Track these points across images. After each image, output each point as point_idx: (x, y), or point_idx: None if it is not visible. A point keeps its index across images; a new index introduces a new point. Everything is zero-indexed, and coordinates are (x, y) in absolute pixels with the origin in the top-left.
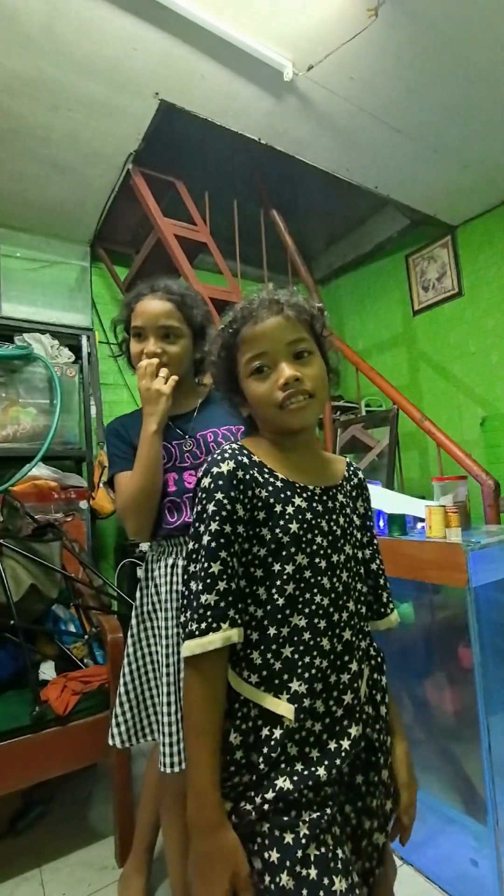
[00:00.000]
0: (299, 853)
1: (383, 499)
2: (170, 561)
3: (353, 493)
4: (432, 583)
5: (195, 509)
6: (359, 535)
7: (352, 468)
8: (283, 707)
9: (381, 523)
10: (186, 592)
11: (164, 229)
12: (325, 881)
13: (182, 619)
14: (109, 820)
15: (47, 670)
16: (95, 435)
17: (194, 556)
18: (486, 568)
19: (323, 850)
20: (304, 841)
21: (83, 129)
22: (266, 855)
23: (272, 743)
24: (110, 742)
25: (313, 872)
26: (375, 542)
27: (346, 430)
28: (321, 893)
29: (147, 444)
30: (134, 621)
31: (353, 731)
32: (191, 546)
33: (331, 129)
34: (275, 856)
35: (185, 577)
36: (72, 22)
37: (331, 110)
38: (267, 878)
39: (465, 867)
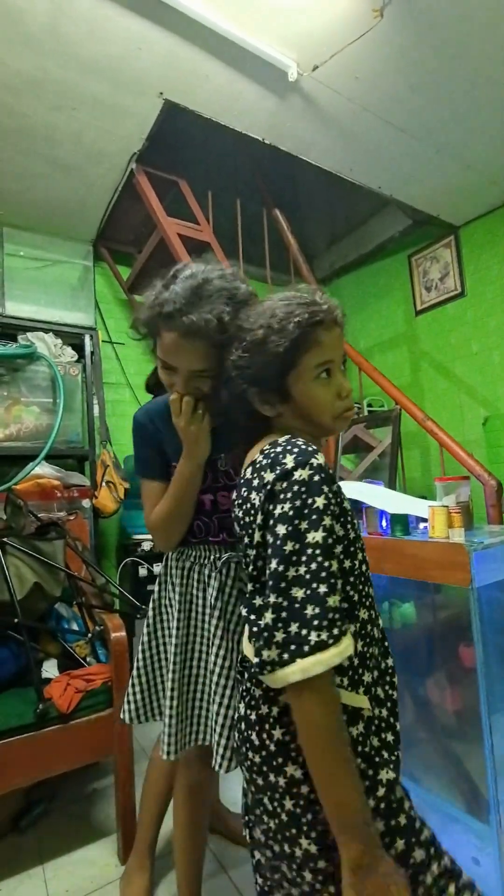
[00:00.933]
0: (417, 824)
1: (386, 499)
2: (186, 565)
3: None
4: (434, 583)
5: (285, 505)
6: None
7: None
8: (360, 699)
9: (384, 523)
10: (283, 601)
11: (167, 228)
12: (428, 833)
13: (278, 636)
14: (112, 818)
15: (50, 668)
16: (98, 434)
17: (295, 557)
18: (488, 568)
19: (413, 810)
20: (412, 813)
21: (87, 128)
22: (394, 847)
23: (361, 740)
24: (122, 717)
25: (427, 832)
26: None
27: (349, 429)
28: (433, 847)
29: (185, 482)
30: (151, 613)
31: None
32: (289, 547)
33: (335, 129)
34: (401, 844)
35: (277, 583)
36: (76, 22)
37: (335, 110)
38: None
39: (467, 866)
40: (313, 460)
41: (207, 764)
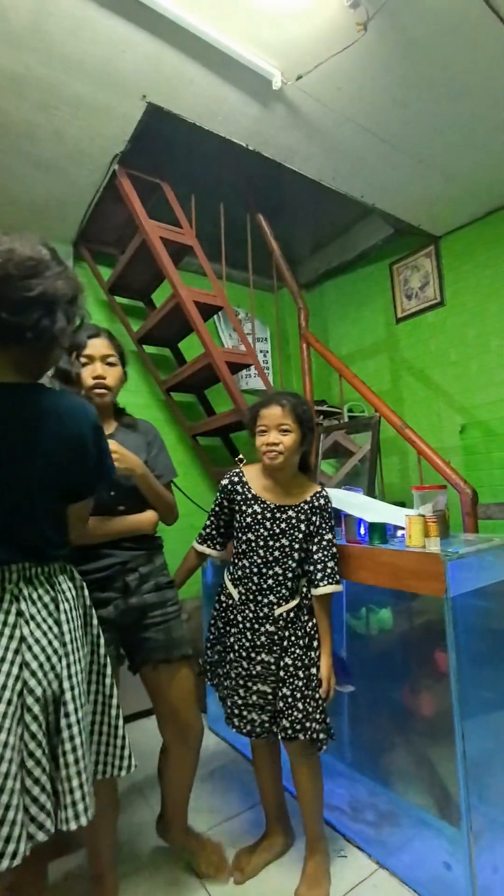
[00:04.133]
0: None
1: (364, 507)
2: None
3: (310, 512)
4: (412, 592)
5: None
6: (300, 536)
7: (318, 495)
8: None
9: (363, 531)
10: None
11: (150, 231)
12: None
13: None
14: None
15: None
16: None
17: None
18: (463, 577)
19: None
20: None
21: (70, 128)
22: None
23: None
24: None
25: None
26: (325, 542)
27: (329, 435)
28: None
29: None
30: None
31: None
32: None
33: (318, 138)
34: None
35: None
36: (60, 21)
37: (318, 119)
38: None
39: (438, 870)
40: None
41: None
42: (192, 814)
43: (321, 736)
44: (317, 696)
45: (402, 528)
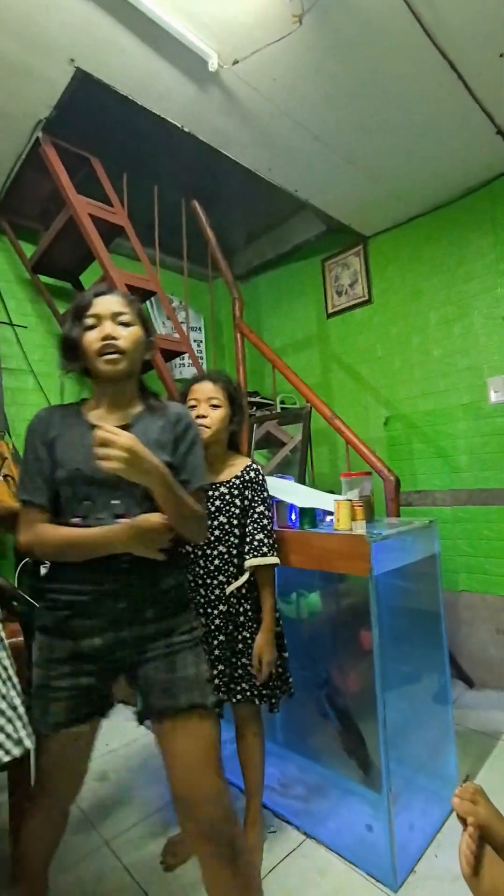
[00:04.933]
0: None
1: (295, 493)
2: None
3: (242, 486)
4: (338, 572)
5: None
6: (237, 511)
7: (248, 468)
8: None
9: (294, 516)
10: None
11: (78, 207)
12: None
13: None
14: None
15: None
16: None
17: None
18: (386, 557)
19: None
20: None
21: None
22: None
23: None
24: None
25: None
26: (255, 515)
27: (262, 425)
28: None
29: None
30: None
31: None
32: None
33: (254, 127)
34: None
35: None
36: None
37: (254, 108)
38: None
39: (361, 833)
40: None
41: None
42: (125, 808)
43: (278, 693)
44: (276, 663)
45: (331, 514)
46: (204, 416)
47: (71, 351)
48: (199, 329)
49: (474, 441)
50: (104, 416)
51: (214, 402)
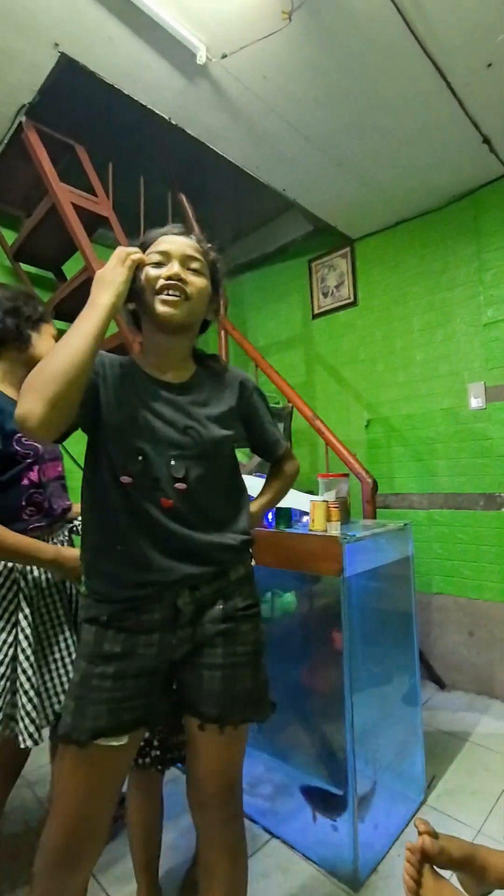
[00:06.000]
0: None
1: None
2: None
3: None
4: (312, 573)
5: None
6: None
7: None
8: None
9: (269, 516)
10: None
11: (60, 195)
12: None
13: None
14: None
15: None
16: None
17: None
18: (358, 559)
19: None
20: None
21: None
22: None
23: None
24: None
25: None
26: None
27: None
28: None
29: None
30: None
31: None
32: None
33: (243, 124)
34: None
35: None
36: None
37: (243, 104)
38: None
39: (326, 833)
40: None
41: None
42: None
43: None
44: None
45: (307, 514)
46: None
47: (131, 293)
48: None
49: (452, 446)
50: (155, 371)
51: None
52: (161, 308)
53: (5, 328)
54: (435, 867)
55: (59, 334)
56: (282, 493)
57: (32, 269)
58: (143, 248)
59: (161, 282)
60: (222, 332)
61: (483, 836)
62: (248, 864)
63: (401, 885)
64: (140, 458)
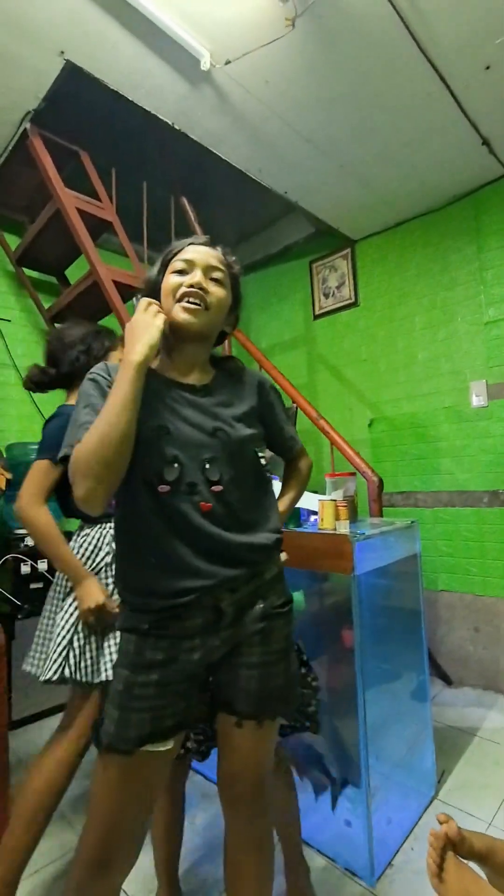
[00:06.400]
0: None
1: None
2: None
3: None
4: (322, 571)
5: None
6: None
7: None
8: None
9: None
10: None
11: (65, 201)
12: None
13: None
14: None
15: None
16: None
17: None
18: (368, 557)
19: None
20: None
21: None
22: None
23: None
24: None
25: None
26: None
27: None
28: None
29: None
30: None
31: None
32: None
33: (245, 128)
34: None
35: None
36: None
37: (246, 109)
38: None
39: (340, 829)
40: None
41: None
42: None
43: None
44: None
45: (315, 513)
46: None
47: (151, 296)
48: None
49: (455, 444)
50: (176, 376)
51: (217, 275)
52: (180, 315)
53: (78, 365)
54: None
55: None
56: (302, 490)
57: (35, 274)
58: (170, 255)
59: (183, 289)
60: None
61: (494, 828)
62: (274, 860)
63: (417, 877)
64: (176, 465)
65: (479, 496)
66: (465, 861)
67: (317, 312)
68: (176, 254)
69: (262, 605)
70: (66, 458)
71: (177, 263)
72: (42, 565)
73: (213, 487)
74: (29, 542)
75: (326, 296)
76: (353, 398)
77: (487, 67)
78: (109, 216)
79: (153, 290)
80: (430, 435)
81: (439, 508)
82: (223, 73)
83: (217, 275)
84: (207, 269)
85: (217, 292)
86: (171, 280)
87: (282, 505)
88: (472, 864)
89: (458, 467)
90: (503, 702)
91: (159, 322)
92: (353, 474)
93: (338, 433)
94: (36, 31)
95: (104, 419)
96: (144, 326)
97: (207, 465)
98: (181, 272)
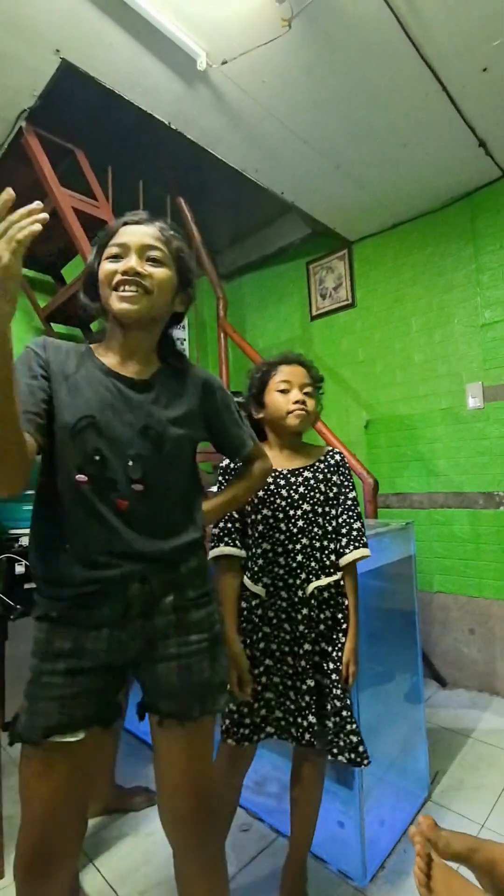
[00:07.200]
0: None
1: None
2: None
3: (327, 471)
4: None
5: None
6: (321, 498)
7: (332, 452)
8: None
9: None
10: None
11: (61, 200)
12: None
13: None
14: None
15: None
16: None
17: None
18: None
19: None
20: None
21: None
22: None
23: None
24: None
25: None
26: (349, 502)
27: None
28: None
29: None
30: None
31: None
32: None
33: (241, 128)
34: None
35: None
36: None
37: (242, 109)
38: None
39: (333, 830)
40: None
41: None
42: None
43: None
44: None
45: None
46: (302, 403)
47: (91, 287)
48: (183, 328)
49: (451, 446)
50: (116, 366)
51: (308, 389)
52: (118, 305)
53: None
54: (444, 861)
55: (60, 338)
56: (245, 494)
57: (31, 273)
58: (105, 239)
59: (117, 277)
60: (222, 335)
61: (487, 830)
62: (228, 883)
63: (408, 879)
64: (97, 458)
65: (474, 498)
66: (453, 864)
67: (314, 313)
68: (110, 237)
69: (172, 597)
70: None
71: (111, 249)
72: None
73: (133, 486)
74: (23, 542)
75: (323, 297)
76: (350, 399)
77: (485, 69)
78: (105, 215)
79: (91, 280)
80: (425, 437)
81: (435, 510)
82: (219, 72)
83: (155, 254)
84: (142, 250)
85: (157, 273)
86: (105, 268)
87: (207, 504)
88: (464, 870)
89: (454, 469)
90: (497, 703)
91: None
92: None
93: (334, 434)
94: (32, 30)
95: None
96: None
97: (131, 463)
98: (115, 258)
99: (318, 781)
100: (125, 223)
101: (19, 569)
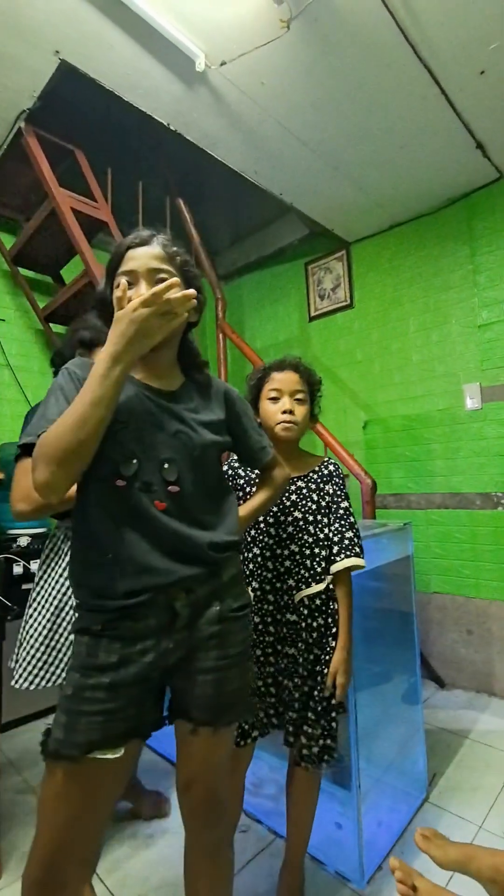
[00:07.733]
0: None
1: None
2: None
3: (320, 481)
4: None
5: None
6: (313, 507)
7: (327, 462)
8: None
9: None
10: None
11: (60, 200)
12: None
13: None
14: None
15: None
16: None
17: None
18: None
19: None
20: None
21: None
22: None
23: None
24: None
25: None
26: (341, 511)
27: None
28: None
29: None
30: None
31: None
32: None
33: (241, 129)
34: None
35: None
36: None
37: (241, 110)
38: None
39: (330, 831)
40: None
41: None
42: None
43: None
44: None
45: None
46: (291, 413)
47: (106, 312)
48: None
49: (449, 446)
50: (143, 379)
51: (299, 396)
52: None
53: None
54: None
55: (58, 338)
56: (271, 501)
57: (31, 274)
58: (114, 266)
59: (124, 303)
60: (220, 336)
61: (485, 831)
62: (233, 866)
63: None
64: (134, 461)
65: (471, 498)
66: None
67: (312, 314)
68: (117, 264)
69: (218, 608)
70: (28, 447)
71: (123, 278)
72: (34, 566)
73: (169, 488)
74: (21, 542)
75: (322, 298)
76: (348, 400)
77: (482, 72)
78: (105, 216)
79: (104, 306)
80: (423, 437)
81: (432, 510)
82: (218, 74)
83: (163, 276)
84: (150, 275)
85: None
86: (119, 295)
87: (244, 509)
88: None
89: (452, 469)
90: (495, 704)
91: (138, 314)
92: (347, 476)
93: (332, 435)
94: (32, 31)
95: (79, 404)
96: (121, 320)
97: (166, 465)
98: (128, 285)
99: (314, 784)
100: (129, 247)
101: (17, 569)
